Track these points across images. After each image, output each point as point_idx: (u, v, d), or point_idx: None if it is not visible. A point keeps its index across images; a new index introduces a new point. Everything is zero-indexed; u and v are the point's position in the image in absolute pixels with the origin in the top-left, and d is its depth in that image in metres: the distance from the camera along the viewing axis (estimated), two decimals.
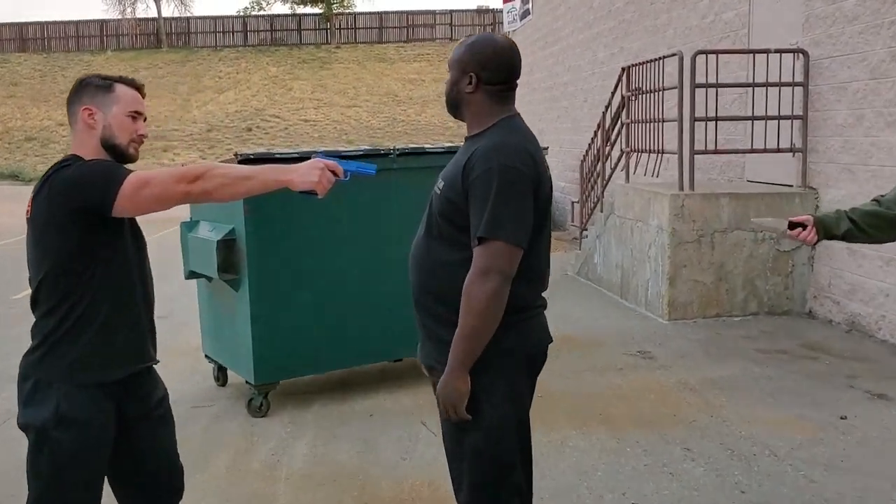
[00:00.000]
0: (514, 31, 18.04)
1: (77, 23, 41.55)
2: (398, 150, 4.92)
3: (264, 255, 4.56)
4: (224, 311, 4.99)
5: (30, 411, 2.22)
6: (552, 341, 2.31)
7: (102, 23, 41.81)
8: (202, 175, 2.17)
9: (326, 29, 41.89)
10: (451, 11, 41.31)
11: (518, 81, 2.32)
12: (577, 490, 3.57)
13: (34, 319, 2.28)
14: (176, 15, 43.21)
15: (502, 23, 19.97)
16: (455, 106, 2.30)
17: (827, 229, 2.78)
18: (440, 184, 2.27)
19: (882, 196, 2.80)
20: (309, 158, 4.68)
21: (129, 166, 2.34)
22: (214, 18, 42.00)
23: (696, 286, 6.65)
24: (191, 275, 5.10)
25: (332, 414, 4.69)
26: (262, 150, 28.60)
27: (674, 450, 3.97)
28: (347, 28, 42.07)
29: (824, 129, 6.56)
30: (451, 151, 5.10)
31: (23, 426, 2.24)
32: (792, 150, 6.82)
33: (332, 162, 2.32)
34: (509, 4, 18.12)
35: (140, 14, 42.94)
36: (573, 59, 13.68)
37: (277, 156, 4.55)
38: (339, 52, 40.40)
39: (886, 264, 5.89)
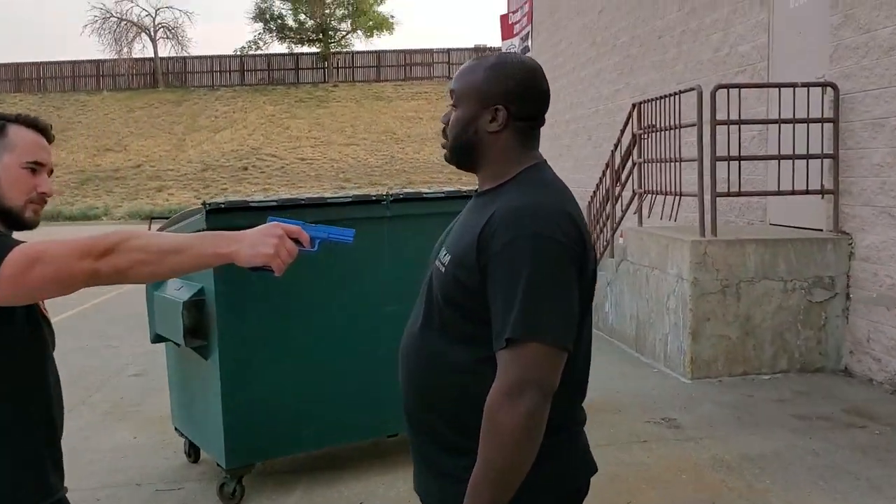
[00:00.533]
0: None
1: (73, 63, 41.34)
2: (392, 195, 4.35)
3: (237, 318, 3.97)
4: (193, 380, 4.38)
5: None
6: (597, 470, 1.72)
7: (98, 63, 41.61)
8: (114, 248, 1.58)
9: (324, 68, 41.72)
10: (449, 50, 41.17)
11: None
12: None
13: None
14: (173, 55, 42.99)
15: None
16: (467, 151, 1.72)
17: None
18: (444, 256, 1.68)
19: None
20: (296, 206, 4.11)
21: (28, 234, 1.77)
22: (211, 58, 41.81)
23: (720, 341, 6.05)
24: (157, 338, 4.51)
25: (317, 501, 4.07)
26: (253, 195, 28.09)
27: None
28: (345, 67, 41.90)
29: (858, 168, 6.01)
30: (452, 197, 4.53)
31: None
32: (822, 191, 6.27)
33: (294, 227, 1.75)
34: (508, 41, 17.76)
35: (137, 54, 42.72)
36: (575, 95, 13.23)
37: (253, 204, 3.97)
38: (336, 90, 40.16)
39: None
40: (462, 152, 1.73)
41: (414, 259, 4.38)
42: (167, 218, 4.73)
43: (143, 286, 4.59)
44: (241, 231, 1.69)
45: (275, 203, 3.93)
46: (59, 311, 9.94)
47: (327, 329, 4.18)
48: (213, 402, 4.08)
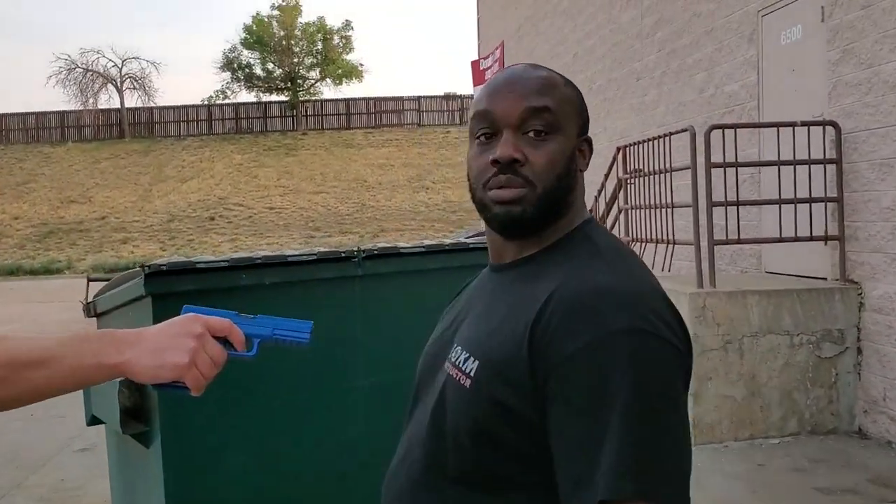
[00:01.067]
0: None
1: (38, 114, 40.63)
2: (364, 251, 3.82)
3: (184, 400, 3.39)
4: (134, 469, 3.78)
5: None
6: None
7: (63, 114, 40.95)
8: None
9: (293, 116, 41.39)
10: (419, 98, 41.05)
11: None
12: None
13: None
14: (140, 105, 42.42)
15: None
16: (563, 200, 1.23)
17: None
18: (463, 360, 1.17)
19: None
20: (251, 266, 3.54)
21: None
22: (179, 108, 41.34)
23: (724, 402, 5.54)
24: (93, 420, 3.90)
25: None
26: (220, 244, 27.38)
27: None
28: (314, 115, 41.61)
29: (865, 212, 5.59)
30: (434, 252, 4.02)
31: None
32: (826, 237, 5.84)
33: (222, 321, 1.21)
34: (479, 88, 17.45)
35: (103, 105, 42.09)
36: None
37: (200, 265, 3.42)
38: (305, 138, 39.79)
39: None
40: (557, 203, 1.22)
41: (390, 324, 3.85)
42: (107, 280, 4.16)
43: None
44: (142, 329, 1.15)
45: (225, 263, 3.37)
46: None
47: (288, 410, 3.60)
48: (155, 496, 3.48)
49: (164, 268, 3.28)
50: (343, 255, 3.70)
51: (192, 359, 1.12)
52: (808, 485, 4.67)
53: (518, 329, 1.11)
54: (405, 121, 40.67)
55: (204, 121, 41.16)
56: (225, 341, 1.20)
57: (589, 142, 1.28)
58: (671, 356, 1.05)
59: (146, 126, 41.18)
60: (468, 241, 4.10)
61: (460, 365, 1.17)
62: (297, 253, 3.58)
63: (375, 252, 3.78)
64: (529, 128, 1.20)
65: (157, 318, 3.32)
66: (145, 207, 32.96)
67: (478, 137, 1.24)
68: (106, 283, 4.09)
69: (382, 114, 40.85)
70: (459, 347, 1.21)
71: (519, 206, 1.19)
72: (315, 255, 3.61)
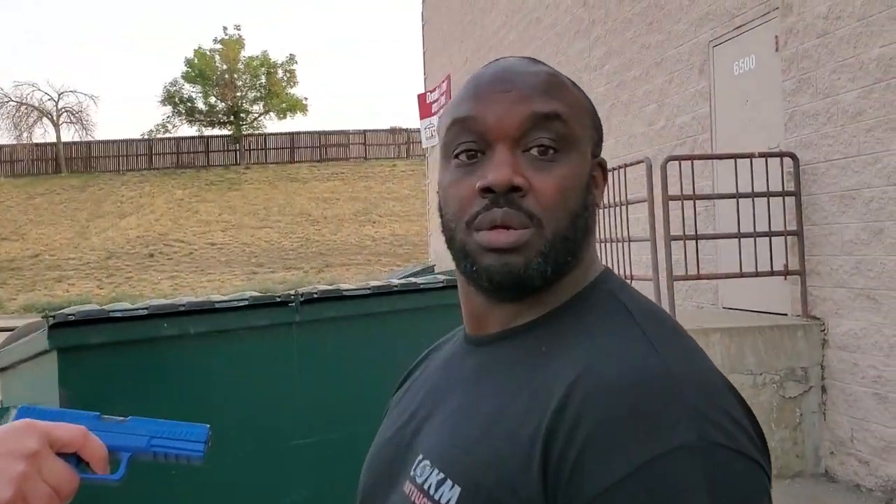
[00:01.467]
0: (432, 147, 17.13)
1: None
2: (303, 294, 3.46)
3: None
4: None
5: None
6: None
7: None
8: None
9: (236, 150, 40.77)
10: (365, 131, 40.82)
11: None
12: None
13: None
14: (77, 139, 41.34)
15: (419, 140, 19.14)
16: (581, 240, 0.91)
17: None
18: (436, 482, 0.83)
19: None
20: (174, 313, 3.15)
21: None
22: (117, 142, 40.40)
23: None
24: None
25: None
26: (160, 282, 26.56)
27: None
28: (258, 149, 41.05)
29: (827, 246, 5.42)
30: (380, 294, 3.68)
31: None
32: (786, 272, 5.65)
33: (72, 430, 0.84)
34: (426, 121, 17.26)
35: (38, 139, 40.94)
36: None
37: (115, 314, 3.02)
38: (248, 172, 39.19)
39: None
40: (572, 250, 0.89)
41: (333, 376, 3.49)
42: (10, 330, 3.72)
43: None
44: None
45: (144, 311, 2.98)
46: None
47: (215, 475, 3.20)
48: None
49: (73, 317, 2.88)
50: (278, 299, 3.34)
51: (19, 490, 0.76)
52: None
53: (521, 439, 0.76)
54: (351, 154, 40.35)
55: (144, 155, 40.26)
56: (77, 458, 0.83)
57: (603, 166, 0.96)
58: (754, 477, 0.75)
59: (84, 160, 40.13)
60: (419, 281, 3.77)
61: (430, 489, 0.82)
62: (226, 298, 3.21)
63: (315, 295, 3.43)
64: (534, 142, 0.87)
65: (65, 376, 2.91)
66: (82, 244, 31.91)
67: (456, 156, 0.90)
68: (10, 332, 3.67)
69: (328, 147, 40.48)
70: (427, 462, 0.86)
71: (521, 256, 0.85)
72: (247, 300, 3.25)
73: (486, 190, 0.85)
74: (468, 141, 0.89)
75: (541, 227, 0.85)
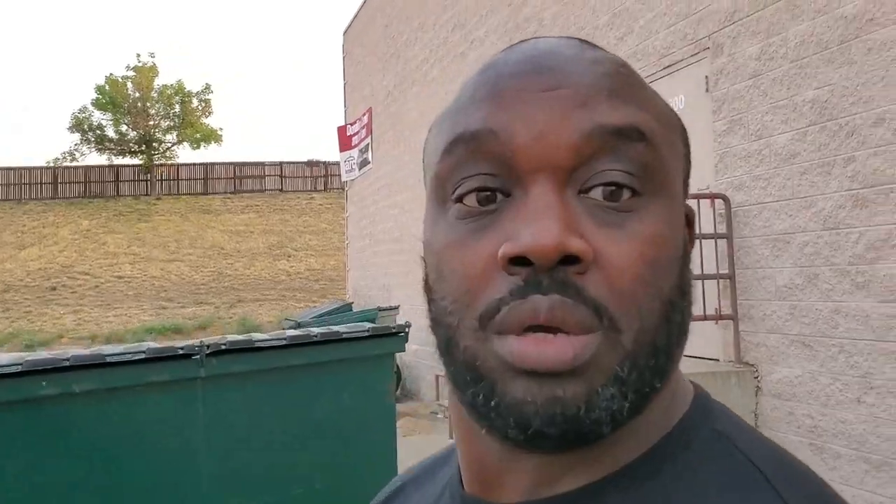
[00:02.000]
0: (352, 180, 16.80)
1: None
2: (209, 346, 3.07)
3: None
4: None
5: None
6: None
7: None
8: None
9: (147, 180, 39.50)
10: (282, 163, 40.15)
11: None
12: None
13: None
14: None
15: (339, 173, 18.78)
16: (663, 370, 0.54)
17: None
18: None
19: None
20: (55, 369, 2.75)
21: None
22: (19, 169, 38.63)
23: None
24: None
25: None
26: (63, 316, 25.33)
27: None
28: (170, 179, 39.87)
29: (760, 291, 5.30)
30: (297, 345, 3.31)
31: None
32: (718, 317, 5.51)
33: None
34: (346, 153, 16.95)
35: None
36: (421, 211, 12.37)
37: None
38: (160, 203, 37.98)
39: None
40: (668, 356, 0.55)
41: (242, 439, 3.10)
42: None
43: None
44: None
45: (18, 367, 2.55)
46: None
47: None
48: None
49: None
50: (181, 351, 2.95)
51: None
52: None
53: None
54: (267, 186, 39.58)
55: (49, 184, 38.61)
56: None
57: (691, 218, 0.63)
58: None
59: None
60: (341, 329, 3.42)
61: None
62: (119, 351, 2.80)
63: (223, 347, 3.04)
64: (599, 178, 0.53)
65: None
66: None
67: (459, 199, 0.56)
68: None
69: (243, 179, 39.63)
70: None
71: (581, 384, 0.50)
72: (144, 352, 2.84)
73: (518, 261, 0.51)
74: (482, 174, 0.54)
75: (616, 330, 0.51)
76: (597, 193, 0.53)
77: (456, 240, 0.55)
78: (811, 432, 4.87)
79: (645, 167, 0.53)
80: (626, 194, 0.53)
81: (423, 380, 11.79)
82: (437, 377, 10.58)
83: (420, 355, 11.75)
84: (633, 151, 0.53)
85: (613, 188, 0.53)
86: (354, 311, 12.96)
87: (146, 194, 39.06)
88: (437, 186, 0.58)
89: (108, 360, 2.71)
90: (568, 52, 0.56)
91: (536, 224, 0.50)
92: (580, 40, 0.59)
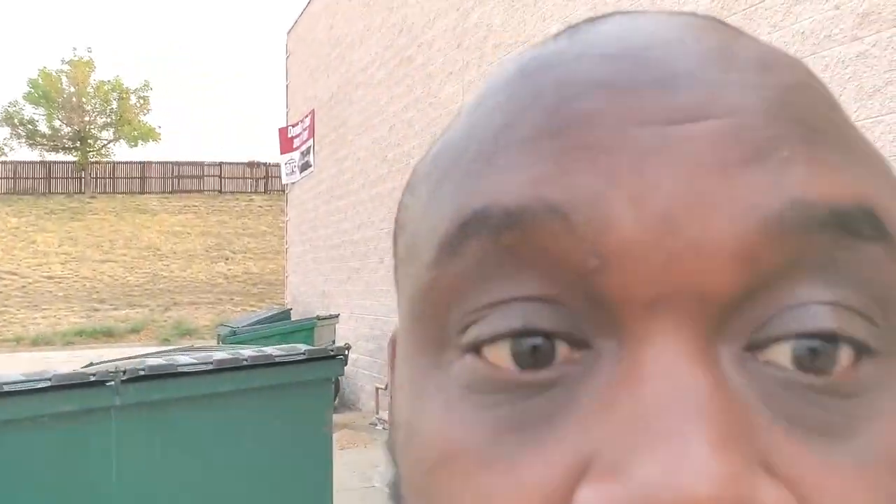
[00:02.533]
0: (293, 183, 16.45)
1: None
2: (125, 371, 2.77)
3: None
4: None
5: None
6: None
7: None
8: None
9: (81, 178, 38.34)
10: (221, 163, 39.35)
11: None
12: None
13: None
14: None
15: (279, 175, 18.43)
16: None
17: None
18: None
19: None
20: None
21: None
22: None
23: None
24: None
25: None
26: None
27: None
28: (105, 177, 38.73)
29: None
30: (225, 369, 3.03)
31: None
32: None
33: None
34: (287, 156, 16.59)
35: None
36: (364, 215, 12.13)
37: None
38: (94, 202, 36.87)
39: None
40: None
41: (159, 474, 2.81)
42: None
43: None
44: None
45: None
46: None
47: None
48: None
49: None
50: (93, 378, 2.65)
51: None
52: None
53: None
54: (205, 187, 38.76)
55: None
56: None
57: None
58: None
59: None
60: (274, 352, 3.15)
61: None
62: (20, 379, 2.49)
63: (142, 373, 2.75)
64: (793, 321, 0.25)
65: None
66: None
67: (473, 347, 0.27)
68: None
69: (181, 178, 38.72)
70: None
71: None
72: (49, 379, 2.54)
73: None
74: (529, 298, 0.26)
75: None
76: (785, 355, 0.26)
77: (472, 447, 0.26)
78: None
79: (888, 297, 0.26)
80: (848, 356, 0.26)
81: (362, 390, 11.52)
82: (377, 389, 10.34)
83: (360, 364, 11.48)
84: (864, 261, 0.26)
85: (825, 344, 0.26)
86: (293, 318, 12.64)
87: (80, 192, 37.88)
88: (424, 312, 0.30)
89: (5, 388, 2.40)
90: (706, 44, 0.28)
91: (669, 443, 0.22)
92: (713, 19, 0.30)
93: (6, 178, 37.55)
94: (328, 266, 13.84)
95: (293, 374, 3.09)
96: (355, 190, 12.53)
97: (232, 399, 2.96)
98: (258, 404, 3.00)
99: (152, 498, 2.69)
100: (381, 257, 11.32)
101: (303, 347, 3.24)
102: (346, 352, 3.37)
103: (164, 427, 2.78)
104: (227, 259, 31.52)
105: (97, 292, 27.82)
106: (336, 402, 11.53)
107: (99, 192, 38.05)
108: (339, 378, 11.52)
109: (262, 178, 39.05)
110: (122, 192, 38.12)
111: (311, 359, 3.17)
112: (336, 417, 10.38)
